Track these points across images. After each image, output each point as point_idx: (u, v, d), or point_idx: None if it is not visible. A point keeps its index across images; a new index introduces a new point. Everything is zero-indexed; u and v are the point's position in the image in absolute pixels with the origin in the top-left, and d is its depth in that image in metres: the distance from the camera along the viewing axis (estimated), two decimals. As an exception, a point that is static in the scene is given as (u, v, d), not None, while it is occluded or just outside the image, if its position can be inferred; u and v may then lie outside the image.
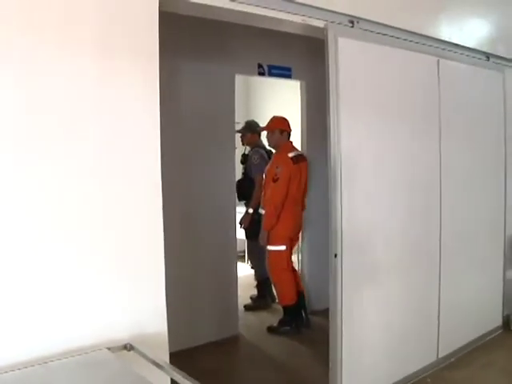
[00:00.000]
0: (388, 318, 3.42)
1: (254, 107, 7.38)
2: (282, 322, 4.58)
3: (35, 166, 1.97)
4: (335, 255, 2.99)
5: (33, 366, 1.89)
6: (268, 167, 4.54)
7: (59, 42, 2.01)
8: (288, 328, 4.53)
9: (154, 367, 1.99)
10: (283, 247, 4.42)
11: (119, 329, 2.17)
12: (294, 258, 5.02)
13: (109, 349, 2.06)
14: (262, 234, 4.46)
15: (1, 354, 1.89)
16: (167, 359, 2.27)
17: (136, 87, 2.22)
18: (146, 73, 2.26)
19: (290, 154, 4.45)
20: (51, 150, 2.01)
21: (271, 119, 4.65)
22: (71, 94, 2.05)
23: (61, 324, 2.04)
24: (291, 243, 4.56)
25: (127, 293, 2.23)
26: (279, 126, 4.54)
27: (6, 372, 1.83)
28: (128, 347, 2.12)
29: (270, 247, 4.48)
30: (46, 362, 1.92)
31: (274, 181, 4.35)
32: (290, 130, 4.60)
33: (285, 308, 4.59)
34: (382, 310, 3.38)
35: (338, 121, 3.00)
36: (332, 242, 3.01)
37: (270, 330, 4.59)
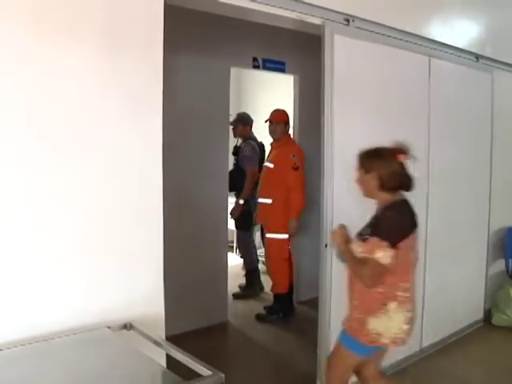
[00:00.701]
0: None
1: (245, 100, 7.47)
2: (270, 310, 4.73)
3: (35, 164, 2.06)
4: (326, 245, 3.12)
5: (37, 342, 2.00)
6: (278, 157, 4.59)
7: (61, 38, 2.09)
8: (276, 316, 4.68)
9: (152, 345, 2.11)
10: (285, 235, 4.51)
11: (119, 309, 2.28)
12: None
13: (109, 327, 2.17)
14: (293, 223, 4.49)
15: (3, 331, 1.98)
16: (163, 336, 2.38)
17: (139, 85, 2.33)
18: (149, 71, 2.36)
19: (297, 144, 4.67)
20: (52, 148, 2.10)
21: (276, 111, 4.73)
22: (72, 92, 2.14)
23: (63, 303, 2.16)
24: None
25: (127, 274, 2.35)
26: (285, 118, 4.66)
27: (9, 348, 1.93)
28: (128, 326, 2.23)
29: (270, 235, 4.58)
30: (46, 340, 2.02)
31: (295, 169, 4.47)
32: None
33: (276, 296, 4.73)
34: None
35: (331, 117, 3.13)
36: (323, 232, 3.13)
37: (259, 317, 4.73)
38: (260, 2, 2.81)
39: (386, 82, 3.51)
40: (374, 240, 2.32)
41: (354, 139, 3.25)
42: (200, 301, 4.36)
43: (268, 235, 4.63)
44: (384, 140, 3.43)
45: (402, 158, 2.41)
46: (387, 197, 2.44)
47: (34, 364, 1.88)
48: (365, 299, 2.43)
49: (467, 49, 4.24)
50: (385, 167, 2.41)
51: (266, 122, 4.83)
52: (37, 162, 2.07)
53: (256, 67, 4.75)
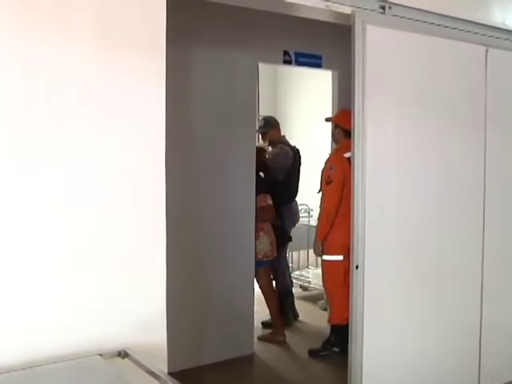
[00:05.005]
0: (419, 348, 3.54)
1: (282, 99, 7.57)
2: (325, 344, 4.73)
3: (32, 164, 2.19)
4: (357, 266, 3.16)
5: (23, 369, 2.10)
6: (323, 169, 4.67)
7: (57, 32, 2.22)
8: (329, 352, 4.66)
9: (148, 377, 2.16)
10: (340, 257, 4.47)
11: (114, 335, 2.37)
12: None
13: (101, 355, 2.26)
14: (316, 245, 4.61)
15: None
16: (165, 369, 2.44)
17: (140, 83, 2.43)
18: (151, 67, 2.46)
19: (347, 155, 4.59)
20: (49, 149, 2.23)
21: (340, 111, 4.79)
22: (69, 89, 2.27)
23: (52, 328, 2.26)
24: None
25: (125, 297, 2.44)
26: (345, 121, 4.69)
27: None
28: (122, 354, 2.31)
29: (324, 257, 4.63)
30: (31, 367, 2.12)
31: (328, 183, 4.51)
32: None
33: (333, 327, 4.72)
34: (411, 332, 3.52)
35: (363, 120, 3.17)
36: (354, 251, 3.18)
37: (311, 353, 4.74)
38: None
39: (431, 79, 3.51)
40: None
41: (389, 146, 3.28)
42: (221, 330, 4.44)
43: (323, 257, 4.66)
44: (428, 148, 3.51)
45: None
46: None
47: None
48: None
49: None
50: None
51: (327, 121, 4.86)
52: (34, 161, 2.20)
53: (287, 62, 4.82)
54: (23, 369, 2.11)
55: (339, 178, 4.46)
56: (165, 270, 2.55)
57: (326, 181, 4.52)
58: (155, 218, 2.52)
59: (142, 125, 2.46)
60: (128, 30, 2.40)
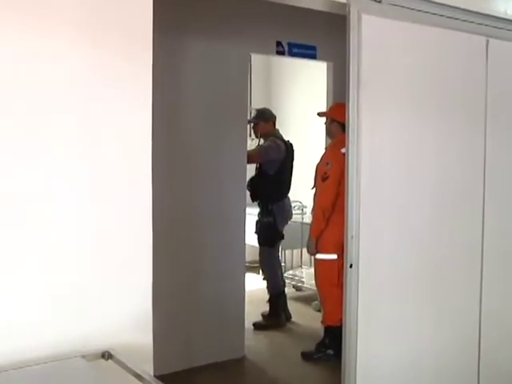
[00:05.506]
0: (416, 349, 3.53)
1: (276, 91, 7.56)
2: (319, 346, 4.72)
3: (14, 162, 2.17)
4: (350, 265, 3.14)
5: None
6: (318, 164, 4.69)
7: (35, 26, 2.19)
8: (323, 354, 4.66)
9: (133, 379, 2.13)
10: (334, 256, 4.49)
11: (98, 335, 2.34)
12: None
13: (83, 356, 2.23)
14: (310, 242, 4.62)
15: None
16: (151, 370, 2.43)
17: (125, 80, 2.41)
18: (137, 62, 2.44)
19: (343, 150, 4.57)
20: (31, 148, 2.20)
21: (334, 105, 4.79)
22: (47, 87, 2.24)
23: (33, 328, 2.23)
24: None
25: (109, 296, 2.41)
26: (341, 115, 4.69)
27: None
28: (106, 356, 2.28)
29: (317, 256, 4.62)
30: (7, 371, 2.07)
31: (324, 179, 4.51)
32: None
33: (326, 329, 4.72)
34: (407, 333, 3.50)
35: (357, 115, 3.16)
36: (348, 249, 3.16)
37: (304, 356, 4.73)
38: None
39: (429, 71, 3.49)
40: None
41: (386, 142, 3.27)
42: (211, 332, 4.42)
43: (316, 256, 4.66)
44: (425, 142, 3.50)
45: None
46: None
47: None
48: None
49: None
50: None
51: (320, 116, 4.84)
52: (16, 164, 2.17)
53: (280, 53, 4.80)
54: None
55: (336, 174, 4.44)
56: (151, 268, 2.52)
57: (322, 177, 4.51)
58: (141, 217, 2.49)
59: (128, 124, 2.43)
60: (113, 21, 2.38)
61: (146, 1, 2.45)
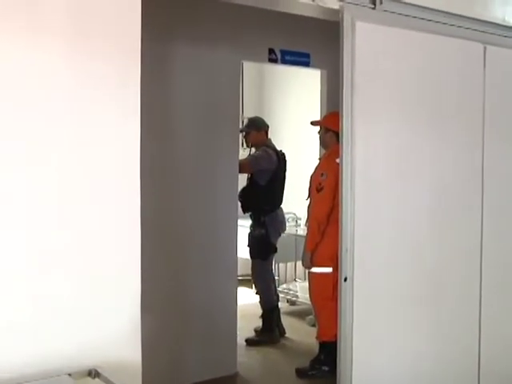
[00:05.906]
0: (413, 364, 3.51)
1: (269, 99, 7.58)
2: (314, 362, 4.69)
3: (5, 168, 2.16)
4: (345, 279, 3.13)
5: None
6: (313, 174, 4.68)
7: (21, 30, 2.17)
8: (317, 371, 4.63)
9: None
10: (329, 269, 4.46)
11: (85, 352, 2.31)
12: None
13: (69, 375, 2.21)
14: (305, 256, 4.59)
15: None
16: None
17: (113, 88, 2.41)
18: (125, 71, 2.44)
19: (338, 160, 4.57)
20: (21, 153, 2.20)
21: (328, 114, 4.79)
22: (37, 94, 2.23)
23: (17, 344, 2.20)
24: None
25: (96, 311, 2.38)
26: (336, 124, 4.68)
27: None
28: (93, 374, 2.25)
29: (312, 269, 4.59)
30: None
31: (318, 190, 4.50)
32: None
33: (321, 345, 4.69)
34: (404, 348, 3.49)
35: (351, 123, 3.17)
36: (342, 262, 3.15)
37: (298, 372, 4.70)
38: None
39: (425, 79, 3.50)
40: None
41: (380, 150, 3.27)
42: (201, 348, 4.38)
43: (311, 269, 4.63)
44: (422, 151, 3.50)
45: None
46: None
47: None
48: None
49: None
50: None
51: (314, 125, 4.84)
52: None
53: (273, 61, 4.80)
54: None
55: (331, 185, 4.42)
56: (139, 282, 2.50)
57: (317, 188, 4.49)
58: (129, 229, 2.47)
59: (116, 132, 2.43)
60: (101, 28, 2.37)
61: (134, 8, 2.45)
